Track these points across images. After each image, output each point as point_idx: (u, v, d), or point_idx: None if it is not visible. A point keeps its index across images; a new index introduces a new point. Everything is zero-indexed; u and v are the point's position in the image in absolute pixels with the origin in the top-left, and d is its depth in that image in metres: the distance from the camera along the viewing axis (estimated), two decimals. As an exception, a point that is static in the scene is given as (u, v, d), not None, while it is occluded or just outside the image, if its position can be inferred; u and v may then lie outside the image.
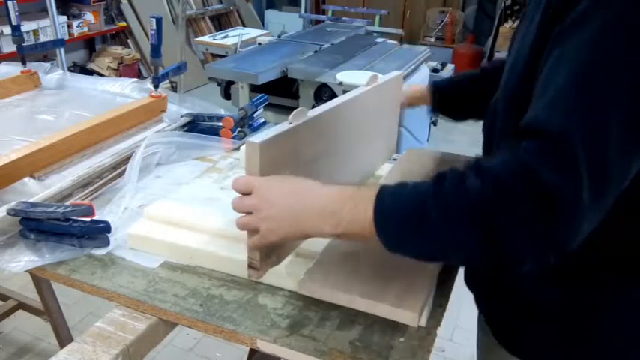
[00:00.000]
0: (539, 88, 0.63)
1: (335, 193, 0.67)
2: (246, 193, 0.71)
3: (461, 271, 0.94)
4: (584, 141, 0.57)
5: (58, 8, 3.60)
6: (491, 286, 0.87)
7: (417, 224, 0.60)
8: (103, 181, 1.13)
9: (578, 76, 0.60)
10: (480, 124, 0.92)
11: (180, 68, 1.57)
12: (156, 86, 1.45)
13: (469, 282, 0.93)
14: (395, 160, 1.25)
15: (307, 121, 0.82)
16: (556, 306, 0.78)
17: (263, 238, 0.71)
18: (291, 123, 0.79)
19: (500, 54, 4.53)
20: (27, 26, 3.93)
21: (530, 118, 0.62)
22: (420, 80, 2.81)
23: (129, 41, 5.18)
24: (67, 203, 1.01)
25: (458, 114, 1.22)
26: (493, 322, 0.88)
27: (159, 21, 1.34)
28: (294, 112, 0.80)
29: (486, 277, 0.87)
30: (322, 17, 4.61)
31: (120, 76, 4.51)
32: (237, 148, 1.31)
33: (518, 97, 0.71)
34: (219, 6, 5.83)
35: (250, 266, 0.78)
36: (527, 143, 0.59)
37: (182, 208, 1.02)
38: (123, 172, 1.16)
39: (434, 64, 3.70)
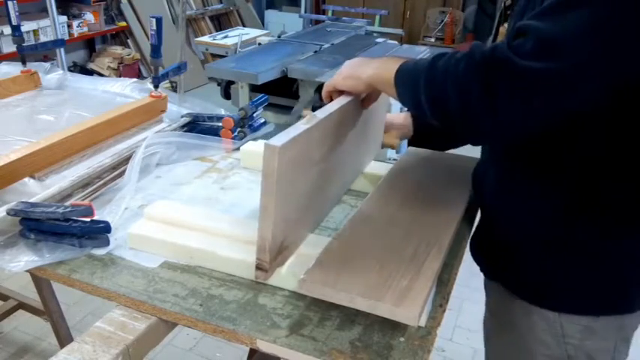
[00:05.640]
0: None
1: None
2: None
3: (461, 270, 0.94)
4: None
5: (58, 8, 3.60)
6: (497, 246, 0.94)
7: (425, 71, 0.83)
8: (102, 181, 1.13)
9: None
10: None
11: (180, 68, 1.57)
12: (156, 86, 1.45)
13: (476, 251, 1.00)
14: (395, 160, 1.25)
15: (318, 124, 0.84)
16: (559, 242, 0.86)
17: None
18: (305, 125, 0.81)
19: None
20: (27, 26, 3.93)
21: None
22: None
23: (129, 41, 5.18)
24: (67, 203, 1.01)
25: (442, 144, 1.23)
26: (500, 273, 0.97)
27: (159, 21, 1.34)
28: (307, 116, 0.84)
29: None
30: (322, 17, 4.61)
31: (120, 76, 4.52)
32: (238, 148, 1.31)
33: None
34: (219, 6, 5.83)
35: (258, 268, 0.82)
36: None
37: (182, 208, 1.02)
38: (123, 172, 1.16)
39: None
